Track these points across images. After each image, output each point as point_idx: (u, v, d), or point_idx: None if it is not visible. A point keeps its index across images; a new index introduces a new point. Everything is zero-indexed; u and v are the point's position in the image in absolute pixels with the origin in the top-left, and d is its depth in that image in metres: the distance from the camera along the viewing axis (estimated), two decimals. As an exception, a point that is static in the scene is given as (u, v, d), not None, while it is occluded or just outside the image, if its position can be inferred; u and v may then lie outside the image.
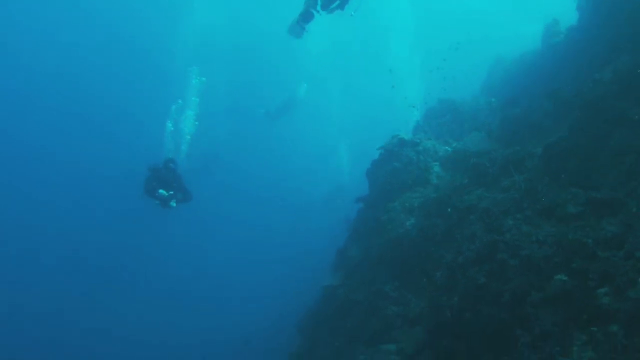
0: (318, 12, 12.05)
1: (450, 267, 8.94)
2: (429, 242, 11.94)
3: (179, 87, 28.03)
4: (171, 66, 35.36)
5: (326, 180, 39.23)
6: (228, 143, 39.54)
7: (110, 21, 44.51)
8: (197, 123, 24.59)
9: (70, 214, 40.15)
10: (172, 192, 14.74)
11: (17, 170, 40.22)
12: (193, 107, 25.97)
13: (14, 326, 31.52)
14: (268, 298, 30.16)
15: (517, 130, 14.03)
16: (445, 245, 10.59)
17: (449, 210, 11.44)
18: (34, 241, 37.72)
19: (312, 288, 20.34)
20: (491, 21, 42.85)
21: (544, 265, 6.99)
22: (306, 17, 12.24)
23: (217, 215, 38.39)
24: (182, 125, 24.76)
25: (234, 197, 41.84)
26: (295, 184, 42.80)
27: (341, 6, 11.91)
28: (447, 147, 16.00)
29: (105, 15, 44.20)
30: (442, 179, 14.57)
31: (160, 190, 14.63)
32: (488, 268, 7.84)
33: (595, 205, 7.75)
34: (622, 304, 5.74)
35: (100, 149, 43.35)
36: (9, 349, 29.53)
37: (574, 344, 6.00)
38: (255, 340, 24.78)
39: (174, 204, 14.94)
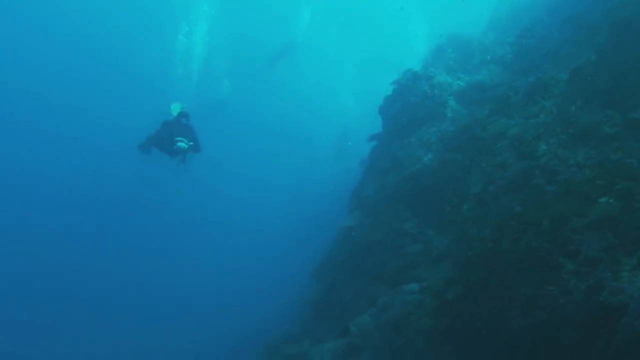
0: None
1: (479, 198, 8.56)
2: (450, 176, 11.59)
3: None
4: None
5: (335, 121, 38.50)
6: (233, 89, 38.74)
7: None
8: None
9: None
10: (191, 144, 13.77)
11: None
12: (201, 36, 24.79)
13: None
14: (280, 247, 29.91)
15: (534, 59, 13.60)
16: (469, 178, 10.21)
17: (472, 140, 11.05)
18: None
19: (327, 233, 20.19)
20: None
21: (586, 189, 6.60)
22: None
23: (226, 164, 37.96)
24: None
25: (241, 146, 41.38)
26: (303, 130, 42.21)
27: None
28: (460, 82, 15.52)
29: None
30: (458, 113, 14.14)
31: (179, 143, 13.59)
32: (523, 196, 7.46)
33: (633, 126, 7.34)
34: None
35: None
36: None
37: (622, 269, 5.67)
38: (269, 289, 24.66)
39: (184, 146, 13.75)
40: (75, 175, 39.61)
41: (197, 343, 24.97)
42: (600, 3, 11.15)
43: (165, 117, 14.31)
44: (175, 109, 13.95)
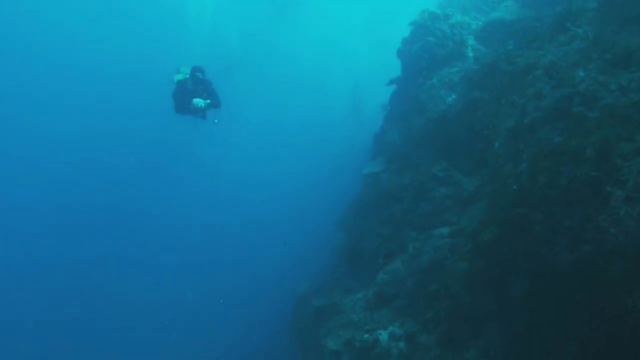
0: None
1: (513, 132, 8.19)
2: (476, 116, 11.21)
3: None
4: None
5: (347, 76, 37.86)
6: (244, 43, 38.11)
7: None
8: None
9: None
10: (208, 101, 13.06)
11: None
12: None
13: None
14: (303, 199, 29.70)
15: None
16: (498, 114, 9.83)
17: (498, 76, 10.64)
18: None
19: (349, 183, 19.94)
20: None
21: (632, 113, 6.23)
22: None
23: (240, 120, 37.44)
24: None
25: (256, 101, 40.79)
26: (314, 90, 41.55)
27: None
28: (477, 21, 15.02)
29: None
30: (480, 52, 13.68)
31: (195, 100, 12.94)
32: (563, 125, 7.08)
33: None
34: None
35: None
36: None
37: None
38: (293, 240, 24.49)
39: (203, 106, 12.99)
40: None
41: (227, 296, 25.11)
42: None
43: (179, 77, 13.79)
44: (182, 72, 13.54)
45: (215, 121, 13.35)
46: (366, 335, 10.33)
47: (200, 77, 13.14)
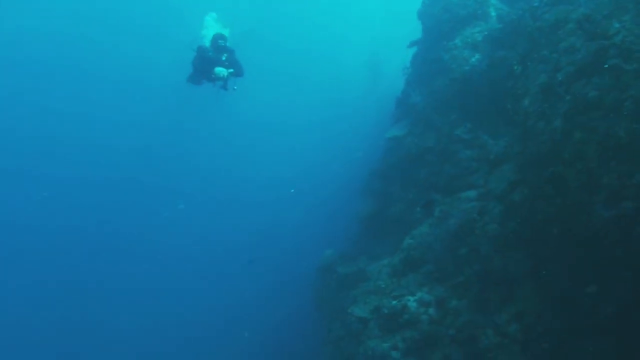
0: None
1: (545, 88, 7.93)
2: (502, 75, 10.95)
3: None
4: None
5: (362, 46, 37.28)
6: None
7: None
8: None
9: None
10: (231, 70, 12.30)
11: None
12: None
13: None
14: (319, 169, 29.47)
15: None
16: (526, 72, 9.56)
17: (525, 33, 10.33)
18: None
19: (369, 150, 19.73)
20: None
21: (673, 63, 5.98)
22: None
23: (256, 90, 37.04)
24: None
25: (269, 74, 40.39)
26: (329, 60, 40.97)
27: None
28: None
29: None
30: (502, 11, 13.35)
31: (217, 69, 12.15)
32: (598, 79, 6.82)
33: None
34: None
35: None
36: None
37: None
38: (316, 208, 24.28)
39: (226, 75, 12.21)
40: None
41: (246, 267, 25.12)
42: None
43: (199, 43, 13.23)
44: (208, 25, 13.13)
45: (235, 88, 12.58)
46: (394, 302, 10.24)
47: (222, 44, 12.54)
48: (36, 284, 30.37)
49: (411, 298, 9.99)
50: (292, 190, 25.05)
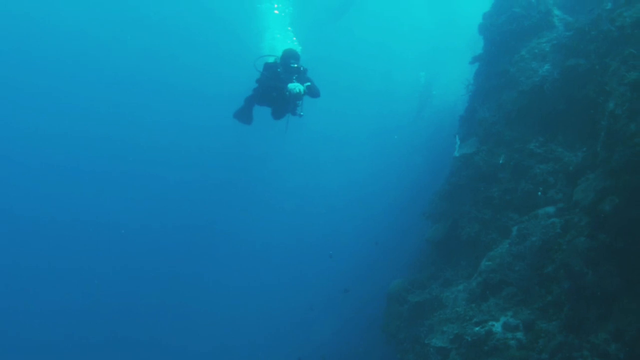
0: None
1: (635, 87, 7.51)
2: (575, 83, 10.59)
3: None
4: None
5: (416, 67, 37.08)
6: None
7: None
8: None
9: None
10: (308, 83, 10.59)
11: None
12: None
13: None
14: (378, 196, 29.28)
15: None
16: (606, 76, 9.15)
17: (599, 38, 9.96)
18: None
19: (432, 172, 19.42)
20: None
21: None
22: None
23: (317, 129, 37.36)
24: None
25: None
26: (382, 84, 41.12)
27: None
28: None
29: None
30: (566, 21, 13.00)
31: (292, 85, 10.31)
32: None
33: None
34: None
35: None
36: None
37: None
38: (383, 238, 23.94)
39: (299, 89, 10.36)
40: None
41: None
42: None
43: (265, 60, 11.42)
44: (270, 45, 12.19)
45: (302, 114, 11.05)
46: (477, 328, 9.78)
47: (295, 66, 10.67)
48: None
49: (495, 323, 9.53)
50: (330, 255, 24.54)
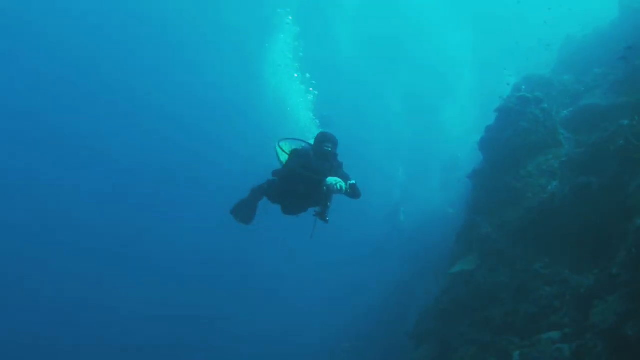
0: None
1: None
2: (586, 203, 10.18)
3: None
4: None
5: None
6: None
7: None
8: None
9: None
10: (353, 181, 8.16)
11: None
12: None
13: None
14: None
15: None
16: (622, 192, 8.79)
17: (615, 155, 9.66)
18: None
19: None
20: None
21: None
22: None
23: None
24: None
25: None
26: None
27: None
28: (564, 111, 14.37)
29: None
30: (571, 140, 12.87)
31: (331, 179, 7.94)
32: None
33: None
34: None
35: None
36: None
37: None
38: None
39: (341, 186, 7.90)
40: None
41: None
42: None
43: (290, 144, 9.42)
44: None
45: (327, 219, 8.57)
46: None
47: (330, 150, 8.55)
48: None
49: None
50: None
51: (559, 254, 10.85)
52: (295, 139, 9.44)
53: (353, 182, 8.05)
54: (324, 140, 8.55)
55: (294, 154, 8.86)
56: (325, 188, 7.94)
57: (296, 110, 17.55)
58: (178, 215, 44.09)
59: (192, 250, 40.20)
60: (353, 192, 8.09)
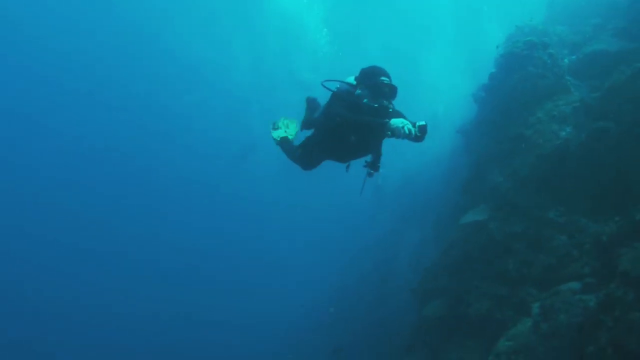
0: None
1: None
2: (606, 148, 9.93)
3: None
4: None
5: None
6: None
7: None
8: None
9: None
10: (423, 122, 6.03)
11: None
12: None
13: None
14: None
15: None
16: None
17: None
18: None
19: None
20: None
21: None
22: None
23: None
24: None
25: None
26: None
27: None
28: (568, 57, 14.11)
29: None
30: (580, 87, 12.60)
31: (395, 120, 6.11)
32: None
33: None
34: None
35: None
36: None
37: None
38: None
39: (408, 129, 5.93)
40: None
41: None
42: None
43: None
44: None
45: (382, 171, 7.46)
46: None
47: (388, 83, 6.84)
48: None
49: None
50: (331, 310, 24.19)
51: (574, 201, 10.62)
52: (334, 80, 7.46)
53: (423, 122, 6.05)
54: (378, 73, 6.96)
55: (335, 97, 7.24)
56: (389, 132, 6.22)
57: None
58: (171, 214, 46.20)
59: (184, 247, 42.60)
60: (422, 135, 6.10)
